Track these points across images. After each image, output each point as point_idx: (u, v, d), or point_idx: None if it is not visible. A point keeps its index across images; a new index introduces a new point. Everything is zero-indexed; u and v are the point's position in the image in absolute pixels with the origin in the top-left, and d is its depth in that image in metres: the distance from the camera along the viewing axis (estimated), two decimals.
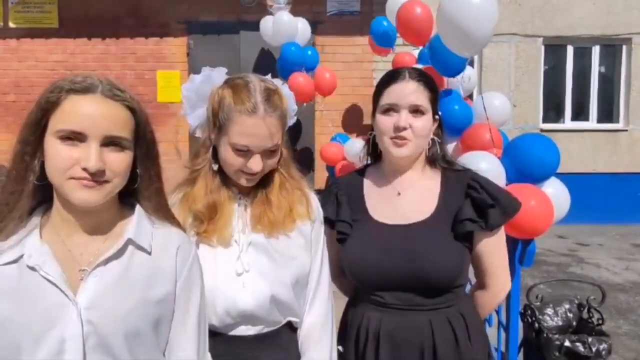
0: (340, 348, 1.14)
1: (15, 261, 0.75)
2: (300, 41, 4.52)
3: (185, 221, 1.00)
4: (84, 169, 0.73)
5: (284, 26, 4.29)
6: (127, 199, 0.85)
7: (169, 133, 5.17)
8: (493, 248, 1.13)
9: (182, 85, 1.09)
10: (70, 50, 5.34)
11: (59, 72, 5.28)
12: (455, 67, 2.24)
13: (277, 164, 1.05)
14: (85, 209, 0.77)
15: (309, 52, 4.62)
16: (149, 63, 5.32)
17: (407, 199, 1.15)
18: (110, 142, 0.76)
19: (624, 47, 6.09)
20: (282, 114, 1.00)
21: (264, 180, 1.06)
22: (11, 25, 5.32)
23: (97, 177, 0.74)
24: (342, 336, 1.17)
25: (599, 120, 6.26)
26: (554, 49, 6.15)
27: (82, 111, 0.74)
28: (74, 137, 0.73)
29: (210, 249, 1.01)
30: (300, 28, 4.45)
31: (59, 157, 0.73)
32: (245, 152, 0.97)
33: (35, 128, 0.75)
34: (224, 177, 1.04)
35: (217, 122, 0.99)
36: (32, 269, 0.74)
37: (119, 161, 0.77)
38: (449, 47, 2.02)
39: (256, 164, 0.97)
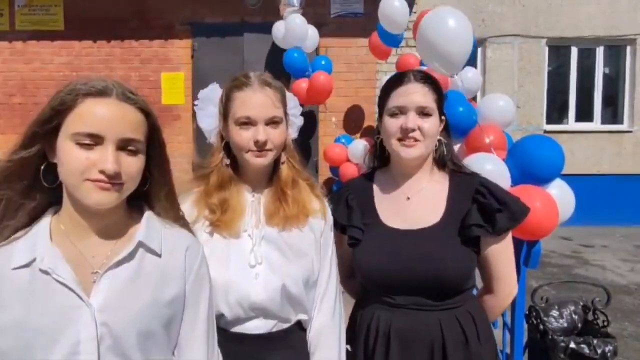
0: (349, 347, 1.15)
1: (27, 265, 0.75)
2: (310, 46, 4.52)
3: (200, 215, 1.04)
4: (101, 172, 0.74)
5: (296, 29, 4.27)
6: (134, 201, 0.86)
7: (173, 135, 5.20)
8: (500, 252, 1.14)
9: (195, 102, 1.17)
10: (75, 52, 5.38)
11: (64, 74, 5.32)
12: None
13: (285, 153, 1.09)
14: (97, 211, 0.78)
15: (323, 62, 4.64)
16: (154, 65, 5.36)
17: (416, 203, 1.16)
18: (125, 145, 0.77)
19: (629, 48, 6.07)
20: (278, 89, 1.06)
21: (276, 176, 1.09)
22: (17, 27, 5.37)
23: (114, 180, 0.75)
24: (351, 336, 1.18)
25: (604, 122, 6.24)
26: (558, 49, 6.14)
27: (99, 114, 0.75)
28: (91, 139, 0.74)
29: (224, 241, 1.04)
30: (310, 33, 4.46)
31: (76, 159, 0.74)
32: (249, 126, 1.02)
33: (44, 126, 0.76)
34: (237, 175, 1.09)
35: (224, 110, 1.07)
36: (45, 272, 0.75)
37: (133, 164, 0.78)
38: (431, 67, 2.11)
39: (261, 133, 1.01)
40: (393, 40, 4.08)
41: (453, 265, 1.07)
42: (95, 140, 0.74)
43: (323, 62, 4.65)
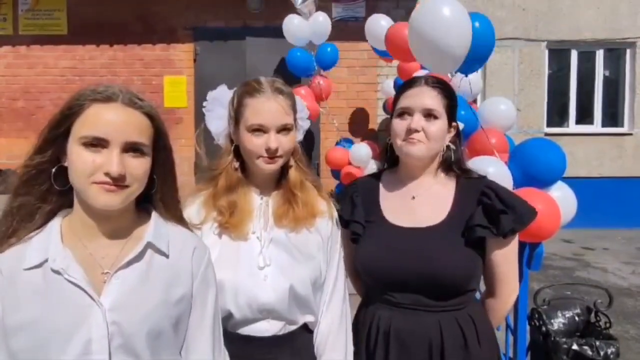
0: (353, 348, 1.16)
1: (39, 265, 0.77)
2: (319, 39, 4.38)
3: (208, 216, 1.06)
4: (106, 174, 0.76)
5: (318, 26, 4.17)
6: (142, 204, 0.88)
7: (175, 138, 5.21)
8: (505, 256, 1.15)
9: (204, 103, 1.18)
10: (78, 57, 5.40)
11: (67, 78, 5.35)
12: None
13: (293, 157, 1.11)
14: (106, 213, 0.80)
15: (329, 49, 4.46)
16: (156, 69, 5.38)
17: (421, 203, 1.18)
18: (130, 147, 0.79)
19: (628, 51, 6.09)
20: (290, 96, 1.08)
21: (285, 179, 1.11)
22: (21, 32, 5.40)
23: (119, 182, 0.77)
24: (354, 335, 1.18)
25: (604, 124, 6.25)
26: (558, 53, 6.16)
27: (104, 118, 0.77)
28: (97, 143, 0.77)
29: (233, 243, 1.05)
30: (321, 22, 4.31)
31: (82, 162, 0.76)
32: (261, 133, 1.04)
33: (56, 130, 0.78)
34: (245, 177, 1.11)
35: (235, 115, 1.08)
36: (57, 272, 0.77)
37: (138, 166, 0.80)
38: (425, 65, 1.96)
39: (273, 141, 1.03)
40: (388, 55, 4.07)
41: (452, 265, 1.08)
42: (101, 143, 0.77)
43: (329, 50, 4.48)
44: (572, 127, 6.24)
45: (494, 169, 1.78)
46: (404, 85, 1.20)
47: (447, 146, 1.19)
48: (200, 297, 0.88)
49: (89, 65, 5.39)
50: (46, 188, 0.81)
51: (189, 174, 5.01)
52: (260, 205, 1.10)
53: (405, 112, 1.15)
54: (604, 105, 6.25)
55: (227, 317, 1.02)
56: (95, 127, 0.77)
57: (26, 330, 0.74)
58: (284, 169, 1.12)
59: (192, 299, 0.87)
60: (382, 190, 1.24)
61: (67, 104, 0.79)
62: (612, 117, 6.28)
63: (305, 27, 4.23)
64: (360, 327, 1.18)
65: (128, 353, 0.77)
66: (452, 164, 1.20)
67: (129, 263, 0.81)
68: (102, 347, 0.75)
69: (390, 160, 1.28)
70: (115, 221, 0.82)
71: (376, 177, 1.29)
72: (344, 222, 1.19)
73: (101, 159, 0.76)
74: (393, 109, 1.20)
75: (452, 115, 1.17)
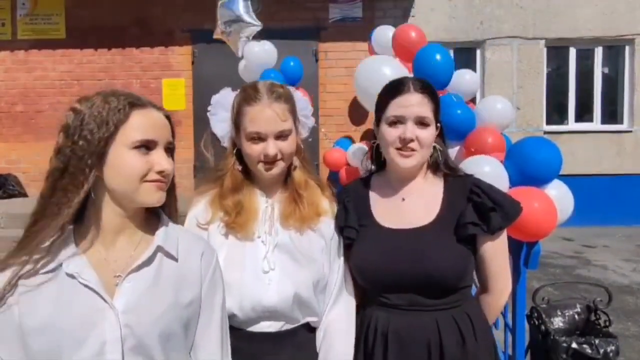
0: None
1: (53, 270, 0.78)
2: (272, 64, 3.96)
3: (215, 216, 1.08)
4: (159, 172, 0.81)
5: (257, 56, 3.79)
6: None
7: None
8: (495, 251, 1.16)
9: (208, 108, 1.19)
10: (77, 61, 5.42)
11: (66, 82, 5.37)
12: (441, 80, 2.33)
13: (296, 155, 1.12)
14: (137, 211, 0.84)
15: (292, 63, 4.17)
16: (155, 72, 5.40)
17: (411, 204, 1.18)
18: (166, 147, 0.85)
19: (627, 48, 6.08)
20: (287, 100, 1.08)
21: (290, 179, 1.13)
22: (19, 36, 5.42)
23: (167, 179, 0.83)
24: None
25: (603, 122, 6.25)
26: (557, 51, 6.16)
27: (152, 122, 0.83)
28: (147, 145, 0.81)
29: (239, 244, 1.07)
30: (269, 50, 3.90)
31: (136, 164, 0.80)
32: (259, 140, 1.05)
33: (104, 142, 0.78)
34: (249, 179, 1.13)
35: (236, 122, 1.10)
36: (71, 276, 0.78)
37: (172, 164, 0.86)
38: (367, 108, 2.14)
39: (271, 148, 1.04)
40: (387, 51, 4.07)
41: (445, 263, 1.09)
42: (149, 145, 0.81)
43: (292, 64, 4.16)
44: (572, 124, 6.23)
45: (490, 168, 1.78)
46: (390, 89, 1.17)
47: (434, 147, 1.19)
48: (208, 299, 0.90)
49: (88, 69, 5.41)
50: (69, 207, 0.79)
51: (188, 176, 5.02)
52: (265, 209, 1.11)
53: (396, 121, 1.14)
54: (603, 102, 6.24)
55: (230, 317, 1.04)
56: (147, 130, 0.81)
57: (43, 333, 0.76)
58: (289, 169, 1.13)
59: (201, 302, 0.89)
60: (372, 194, 1.25)
61: (103, 122, 0.78)
62: (612, 114, 6.28)
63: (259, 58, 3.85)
64: (358, 330, 1.18)
65: (140, 354, 0.79)
66: (439, 165, 1.21)
67: (140, 267, 0.82)
68: (116, 349, 0.77)
69: (377, 162, 1.28)
70: (131, 222, 0.85)
71: (366, 180, 1.29)
72: (339, 228, 1.20)
73: (153, 159, 0.82)
74: (379, 113, 1.19)
75: (437, 117, 1.18)
